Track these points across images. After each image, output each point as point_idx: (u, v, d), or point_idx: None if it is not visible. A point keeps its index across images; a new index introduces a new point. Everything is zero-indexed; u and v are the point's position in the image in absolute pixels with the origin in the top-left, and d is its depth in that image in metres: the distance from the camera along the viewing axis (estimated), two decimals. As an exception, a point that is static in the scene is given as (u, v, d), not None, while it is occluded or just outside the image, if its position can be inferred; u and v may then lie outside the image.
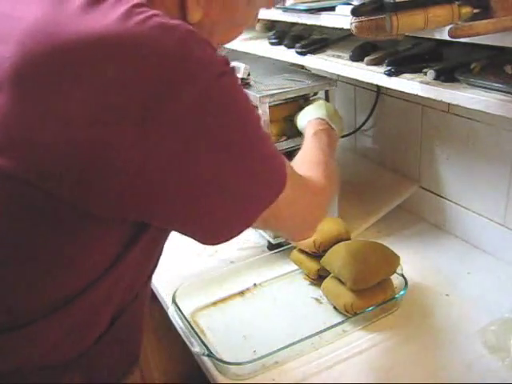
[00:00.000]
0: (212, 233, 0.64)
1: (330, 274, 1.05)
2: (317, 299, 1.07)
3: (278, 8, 1.11)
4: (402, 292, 1.01)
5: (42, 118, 0.51)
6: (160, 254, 0.73)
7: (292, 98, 1.15)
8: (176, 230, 0.63)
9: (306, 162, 0.87)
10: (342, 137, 1.52)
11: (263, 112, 1.10)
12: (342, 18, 0.93)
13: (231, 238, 0.65)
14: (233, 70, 0.59)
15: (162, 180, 0.54)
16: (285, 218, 0.71)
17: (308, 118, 1.05)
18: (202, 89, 0.53)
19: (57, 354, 0.63)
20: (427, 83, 0.84)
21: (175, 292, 1.04)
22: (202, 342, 0.92)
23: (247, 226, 0.65)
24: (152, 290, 1.21)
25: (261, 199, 0.64)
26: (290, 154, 1.18)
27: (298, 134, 1.19)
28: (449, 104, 1.16)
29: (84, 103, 0.50)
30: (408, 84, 0.87)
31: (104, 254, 0.59)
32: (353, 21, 0.78)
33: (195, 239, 0.65)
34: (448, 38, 0.70)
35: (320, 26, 1.02)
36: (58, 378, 0.64)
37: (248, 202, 0.63)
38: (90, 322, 0.64)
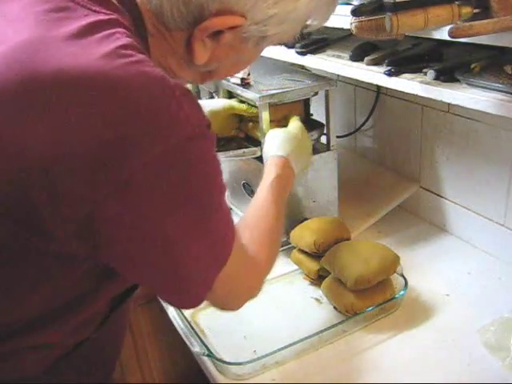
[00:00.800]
0: (175, 295, 0.63)
1: (329, 273, 1.05)
2: (317, 299, 1.07)
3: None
4: (401, 292, 1.01)
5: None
6: None
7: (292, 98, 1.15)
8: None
9: (256, 228, 0.81)
10: (342, 136, 1.52)
11: (263, 112, 1.10)
12: (342, 18, 0.92)
13: (198, 302, 0.64)
14: (210, 135, 0.56)
15: (111, 234, 0.52)
16: (219, 291, 0.66)
17: (272, 152, 0.98)
18: (166, 149, 0.50)
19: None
20: (427, 83, 0.84)
21: (175, 292, 1.04)
22: (202, 342, 0.92)
23: (208, 288, 0.62)
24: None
25: (208, 268, 0.62)
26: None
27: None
28: (449, 104, 1.16)
29: (44, 139, 0.47)
30: (408, 84, 0.87)
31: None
32: (353, 21, 0.78)
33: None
34: (448, 38, 0.70)
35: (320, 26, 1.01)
36: None
37: (199, 266, 0.60)
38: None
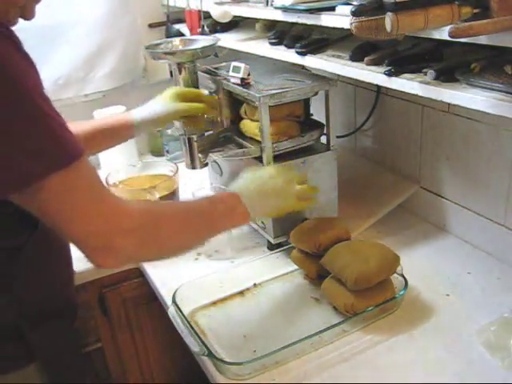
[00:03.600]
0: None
1: (329, 274, 1.05)
2: (317, 299, 1.07)
3: (277, 8, 1.11)
4: (401, 292, 1.01)
5: None
6: None
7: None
8: None
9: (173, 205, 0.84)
10: (342, 136, 1.52)
11: (263, 112, 1.10)
12: (342, 18, 0.92)
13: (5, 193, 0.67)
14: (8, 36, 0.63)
15: None
16: (64, 211, 0.69)
17: (235, 186, 0.96)
18: None
19: None
20: (427, 83, 0.84)
21: (175, 292, 1.04)
22: (202, 342, 0.92)
23: (19, 186, 0.65)
24: (152, 290, 1.22)
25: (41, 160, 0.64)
26: (290, 154, 1.19)
27: (299, 133, 1.20)
28: (449, 104, 1.16)
29: None
30: (408, 84, 0.87)
31: None
32: (353, 21, 0.78)
33: None
34: (448, 38, 0.70)
35: (320, 26, 1.02)
36: None
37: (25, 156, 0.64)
38: None
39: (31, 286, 0.84)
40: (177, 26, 1.69)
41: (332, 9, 0.97)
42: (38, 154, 0.64)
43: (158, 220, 0.80)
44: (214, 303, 1.09)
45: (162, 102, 1.20)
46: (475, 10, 0.71)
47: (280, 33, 1.26)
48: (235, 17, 1.34)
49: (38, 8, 0.78)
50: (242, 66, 1.17)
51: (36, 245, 0.82)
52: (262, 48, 1.27)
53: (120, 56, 1.72)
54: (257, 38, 1.38)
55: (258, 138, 1.16)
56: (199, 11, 1.44)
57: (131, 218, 0.75)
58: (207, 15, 1.40)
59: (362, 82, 0.99)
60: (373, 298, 0.98)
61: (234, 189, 0.96)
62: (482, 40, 0.70)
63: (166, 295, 1.12)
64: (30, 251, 0.82)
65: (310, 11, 1.01)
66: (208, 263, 1.24)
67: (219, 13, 1.33)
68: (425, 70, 0.87)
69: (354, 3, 0.84)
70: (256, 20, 1.38)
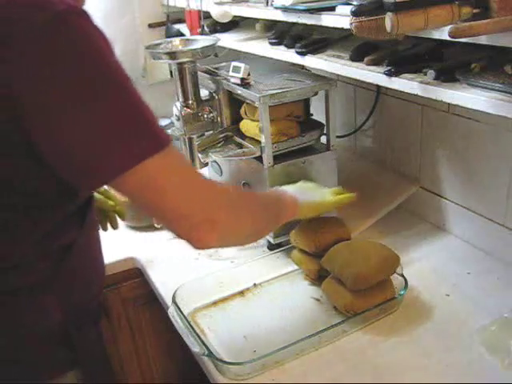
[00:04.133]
0: (87, 168, 0.66)
1: (330, 274, 1.05)
2: (317, 299, 1.07)
3: (277, 8, 1.11)
4: (402, 292, 1.01)
5: None
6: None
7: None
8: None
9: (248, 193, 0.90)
10: (342, 136, 1.52)
11: (263, 112, 1.10)
12: (342, 18, 0.93)
13: (105, 180, 0.68)
14: (84, 12, 0.63)
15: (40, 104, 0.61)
16: (164, 190, 0.69)
17: (292, 190, 1.04)
18: (46, 19, 0.59)
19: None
20: (427, 83, 0.84)
21: (175, 292, 1.04)
22: (202, 342, 0.92)
23: (121, 169, 0.65)
24: (152, 290, 1.22)
25: (135, 146, 0.65)
26: (290, 154, 1.19)
27: (299, 133, 1.20)
28: (449, 104, 1.16)
29: None
30: (408, 84, 0.87)
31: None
32: (353, 21, 0.78)
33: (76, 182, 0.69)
34: (448, 38, 0.70)
35: (320, 26, 1.02)
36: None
37: (124, 141, 0.65)
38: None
39: (75, 286, 0.82)
40: (177, 26, 1.69)
41: (332, 9, 0.97)
42: (136, 137, 0.65)
43: (247, 199, 0.86)
44: (214, 303, 1.09)
45: None
46: (475, 10, 0.71)
47: (280, 33, 1.26)
48: (235, 17, 1.34)
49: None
50: (242, 66, 1.17)
51: (80, 245, 0.81)
52: (262, 48, 1.28)
53: (120, 56, 1.70)
54: (257, 37, 1.38)
55: (258, 138, 1.16)
56: (199, 11, 1.44)
57: (229, 194, 0.80)
58: (207, 15, 1.40)
59: (362, 82, 0.99)
60: (373, 298, 0.98)
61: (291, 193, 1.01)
62: (482, 40, 0.70)
63: (165, 295, 1.12)
64: (75, 251, 0.80)
65: (310, 11, 1.01)
66: (208, 263, 1.24)
67: (219, 13, 1.33)
68: (425, 70, 0.87)
69: (354, 3, 0.84)
70: (256, 20, 1.38)
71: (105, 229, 1.12)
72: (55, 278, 0.77)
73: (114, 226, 1.13)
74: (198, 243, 0.73)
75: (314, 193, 1.06)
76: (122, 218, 1.14)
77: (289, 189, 1.04)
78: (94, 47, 0.63)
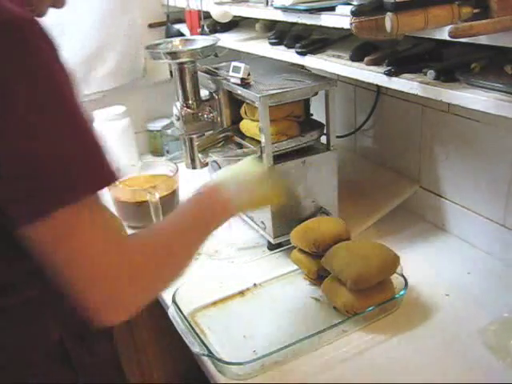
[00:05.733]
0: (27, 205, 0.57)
1: (329, 273, 1.05)
2: (317, 299, 1.07)
3: (277, 8, 1.11)
4: (402, 292, 1.01)
5: None
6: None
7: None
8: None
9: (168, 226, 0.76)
10: (342, 136, 1.52)
11: (263, 112, 1.10)
12: (342, 18, 0.92)
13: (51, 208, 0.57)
14: (34, 22, 0.56)
15: None
16: (78, 253, 0.59)
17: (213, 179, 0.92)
18: None
19: None
20: (427, 83, 0.84)
21: (175, 292, 1.04)
22: (202, 342, 0.92)
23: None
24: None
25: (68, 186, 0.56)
26: (290, 154, 1.19)
27: (299, 133, 1.20)
28: (449, 104, 1.16)
29: None
30: (408, 84, 0.87)
31: None
32: (353, 21, 0.78)
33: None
34: (448, 38, 0.70)
35: (320, 26, 1.02)
36: None
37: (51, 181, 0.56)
38: None
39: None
40: (177, 26, 1.69)
41: (332, 9, 0.97)
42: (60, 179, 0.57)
43: (164, 246, 0.73)
44: (214, 303, 1.09)
45: None
46: (475, 10, 0.71)
47: (280, 33, 1.26)
48: (235, 17, 1.34)
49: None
50: (242, 66, 1.17)
51: None
52: (262, 48, 1.28)
53: (120, 56, 1.72)
54: (257, 37, 1.38)
55: (258, 138, 1.16)
56: (199, 11, 1.44)
57: (141, 255, 0.67)
58: (207, 15, 1.40)
59: (362, 82, 0.99)
60: (373, 298, 0.98)
61: (212, 182, 0.90)
62: (482, 40, 0.70)
63: (165, 295, 1.12)
64: None
65: (310, 11, 1.01)
66: (208, 263, 1.24)
67: (219, 13, 1.33)
68: (425, 70, 0.87)
69: (354, 3, 0.84)
70: (256, 20, 1.38)
71: None
72: (47, 292, 0.69)
73: None
74: (102, 320, 0.63)
75: (250, 181, 0.93)
76: None
77: (224, 178, 0.91)
78: (36, 64, 0.56)
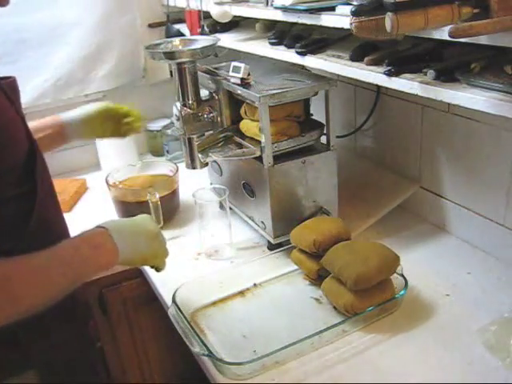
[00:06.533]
0: None
1: (329, 274, 1.05)
2: (317, 299, 1.07)
3: (277, 8, 1.11)
4: (402, 292, 1.01)
5: None
6: None
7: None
8: None
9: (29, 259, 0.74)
10: (342, 136, 1.52)
11: (263, 112, 1.10)
12: (342, 18, 0.93)
13: None
14: None
15: None
16: None
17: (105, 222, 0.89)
18: None
19: None
20: (427, 83, 0.84)
21: (175, 292, 1.04)
22: (202, 341, 0.92)
23: None
24: (152, 290, 1.22)
25: None
26: (290, 154, 1.19)
27: (299, 133, 1.20)
28: (449, 104, 1.16)
29: None
30: (408, 84, 0.87)
31: None
32: (353, 21, 0.78)
33: None
34: (448, 38, 0.70)
35: (320, 26, 1.02)
36: None
37: None
38: None
39: None
40: (177, 26, 1.69)
41: (332, 9, 0.97)
42: None
43: (7, 281, 0.71)
44: (214, 303, 1.09)
45: (91, 104, 1.23)
46: (475, 10, 0.71)
47: (280, 33, 1.26)
48: (235, 17, 1.34)
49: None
50: (242, 66, 1.17)
51: (23, 251, 0.75)
52: (262, 48, 1.27)
53: (120, 56, 1.72)
54: (257, 38, 1.38)
55: (258, 138, 1.16)
56: (199, 11, 1.44)
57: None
58: (207, 15, 1.40)
59: (362, 82, 0.99)
60: (373, 298, 0.98)
61: (103, 224, 0.88)
62: (482, 40, 0.70)
63: (165, 295, 1.12)
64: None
65: (310, 11, 1.01)
66: (208, 263, 1.24)
67: (219, 13, 1.33)
68: (425, 70, 0.87)
69: (354, 3, 0.84)
70: (256, 20, 1.38)
71: (123, 134, 1.19)
72: None
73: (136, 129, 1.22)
74: None
75: (141, 237, 0.91)
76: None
77: (117, 226, 0.89)
78: None
